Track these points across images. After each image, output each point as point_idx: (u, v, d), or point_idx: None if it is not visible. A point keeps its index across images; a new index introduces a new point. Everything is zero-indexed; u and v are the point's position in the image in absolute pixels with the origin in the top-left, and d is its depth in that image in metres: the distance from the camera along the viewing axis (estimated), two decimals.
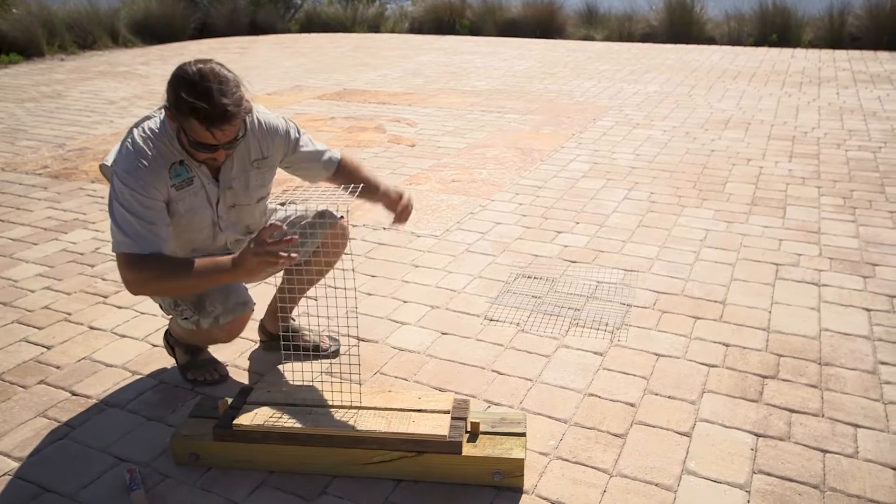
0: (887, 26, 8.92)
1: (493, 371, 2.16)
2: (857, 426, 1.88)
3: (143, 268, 1.69)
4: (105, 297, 2.70)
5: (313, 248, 2.07)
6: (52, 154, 4.75)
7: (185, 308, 1.84)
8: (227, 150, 1.73)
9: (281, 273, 2.21)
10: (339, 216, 2.05)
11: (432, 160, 4.43)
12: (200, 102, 1.60)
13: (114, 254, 1.74)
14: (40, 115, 6.00)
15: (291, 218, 2.08)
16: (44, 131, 5.41)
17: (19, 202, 3.80)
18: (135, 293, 1.78)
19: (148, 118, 1.80)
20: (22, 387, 2.13)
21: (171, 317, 2.04)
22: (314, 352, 2.23)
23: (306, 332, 2.28)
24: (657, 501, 1.63)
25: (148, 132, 1.75)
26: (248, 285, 2.01)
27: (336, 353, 2.25)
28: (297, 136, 1.97)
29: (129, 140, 1.74)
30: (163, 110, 1.77)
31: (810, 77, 7.05)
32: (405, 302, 2.60)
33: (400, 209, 2.02)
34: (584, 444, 1.83)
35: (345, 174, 2.07)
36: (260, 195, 1.98)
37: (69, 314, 2.57)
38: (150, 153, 1.72)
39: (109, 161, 1.80)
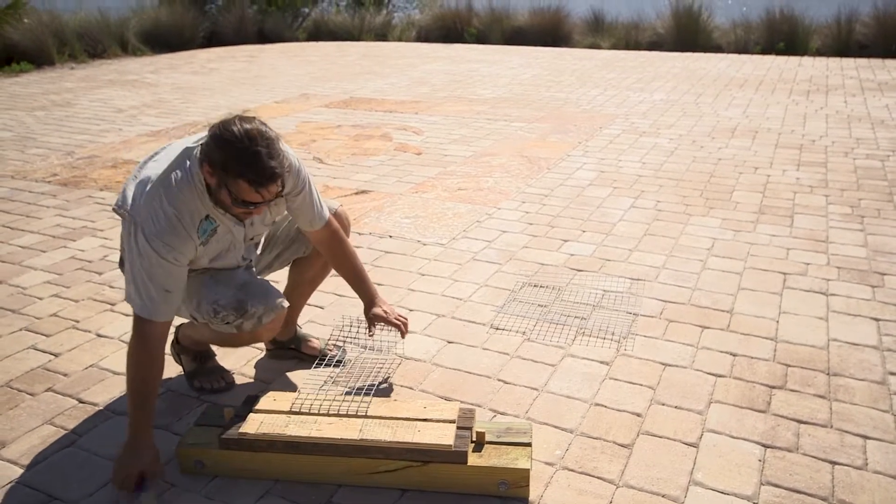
0: (895, 34, 8.89)
1: (499, 380, 2.16)
2: (866, 438, 1.86)
3: (138, 335, 1.72)
4: (113, 304, 2.71)
5: (307, 249, 2.12)
6: (61, 162, 4.79)
7: (226, 314, 1.85)
8: (268, 204, 1.77)
9: (286, 278, 2.22)
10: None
11: (438, 168, 4.43)
12: (251, 167, 1.63)
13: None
14: (50, 123, 6.05)
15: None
16: (53, 139, 5.45)
17: (28, 210, 3.82)
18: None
19: (174, 169, 1.74)
20: (29, 394, 2.14)
21: (196, 324, 2.00)
22: (321, 360, 2.23)
23: (312, 340, 2.28)
24: None
25: (178, 191, 1.72)
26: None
27: (341, 362, 2.25)
28: (306, 179, 1.95)
29: (158, 201, 1.71)
30: (191, 161, 1.74)
31: (818, 85, 7.04)
32: (411, 310, 2.60)
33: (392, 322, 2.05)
34: (591, 454, 1.82)
35: (327, 241, 2.03)
36: (271, 222, 2.04)
37: (77, 322, 2.58)
38: (181, 218, 1.72)
39: (129, 202, 1.74)
